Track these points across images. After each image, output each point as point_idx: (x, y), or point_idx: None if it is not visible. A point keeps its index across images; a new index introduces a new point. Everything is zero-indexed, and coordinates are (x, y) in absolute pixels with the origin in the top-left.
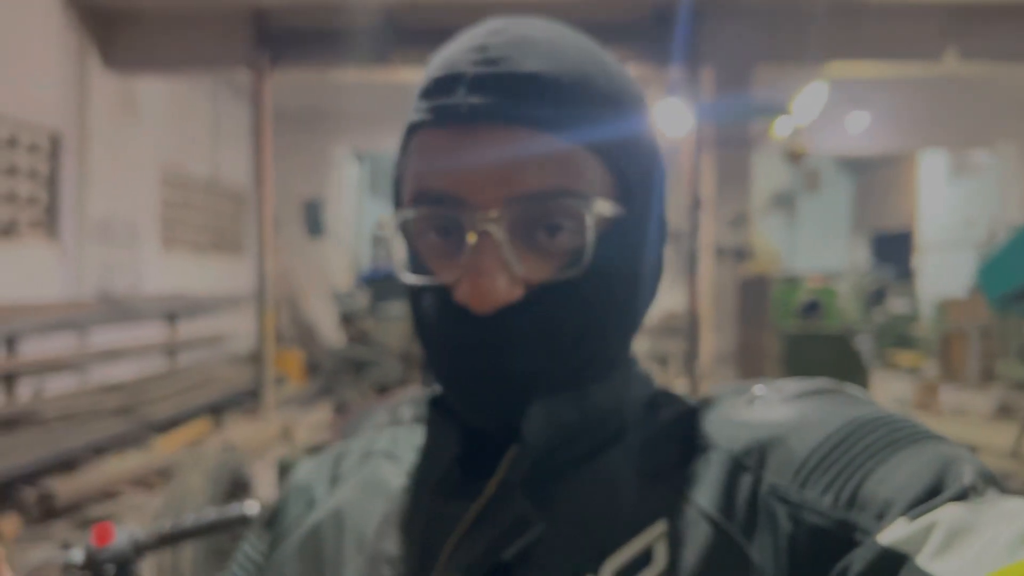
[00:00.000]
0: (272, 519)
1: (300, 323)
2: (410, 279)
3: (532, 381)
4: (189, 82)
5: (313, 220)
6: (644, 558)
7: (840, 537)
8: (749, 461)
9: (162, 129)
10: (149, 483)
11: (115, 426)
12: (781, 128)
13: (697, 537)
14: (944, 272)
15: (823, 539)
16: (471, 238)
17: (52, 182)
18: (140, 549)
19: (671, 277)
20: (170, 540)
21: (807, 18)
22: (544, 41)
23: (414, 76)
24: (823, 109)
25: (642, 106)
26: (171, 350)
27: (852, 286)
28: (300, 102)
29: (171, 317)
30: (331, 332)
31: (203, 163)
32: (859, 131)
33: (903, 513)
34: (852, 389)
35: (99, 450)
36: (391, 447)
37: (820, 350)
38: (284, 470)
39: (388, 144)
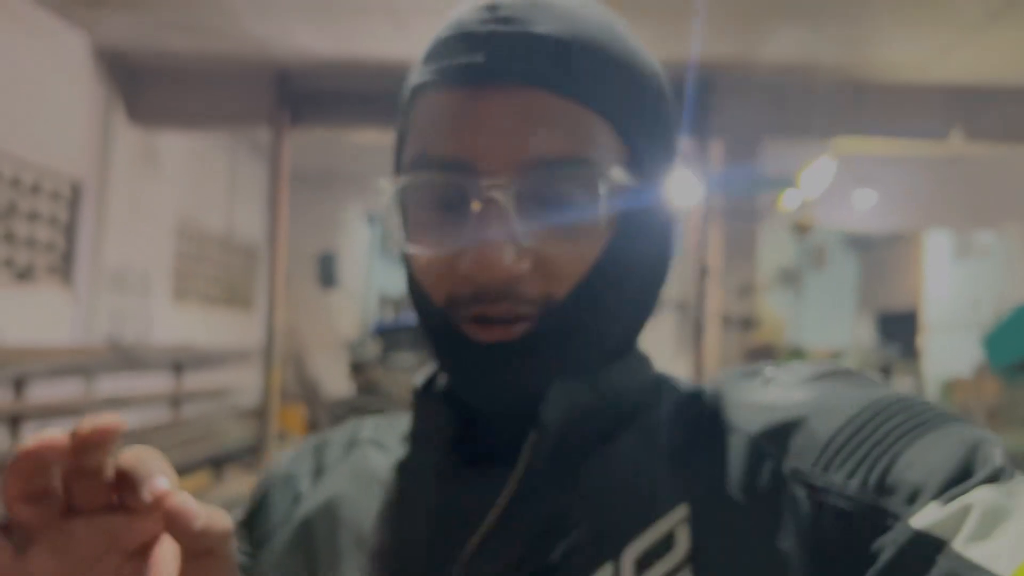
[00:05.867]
0: (253, 516)
1: (305, 380)
2: (410, 249)
3: (548, 372)
4: (208, 138)
5: (326, 272)
6: (666, 543)
7: (869, 521)
8: (769, 444)
9: (180, 183)
10: None
11: None
12: (789, 201)
13: (720, 522)
14: (949, 352)
15: (850, 523)
16: (476, 206)
17: (70, 229)
18: None
19: (677, 346)
20: None
21: (814, 95)
22: (558, 4)
23: None
24: (830, 185)
25: (658, 79)
26: (176, 401)
27: (858, 363)
28: (316, 162)
29: (178, 368)
30: (336, 389)
31: (218, 218)
32: (866, 208)
33: (935, 497)
34: (868, 372)
35: None
36: (376, 435)
37: None
38: None
39: None
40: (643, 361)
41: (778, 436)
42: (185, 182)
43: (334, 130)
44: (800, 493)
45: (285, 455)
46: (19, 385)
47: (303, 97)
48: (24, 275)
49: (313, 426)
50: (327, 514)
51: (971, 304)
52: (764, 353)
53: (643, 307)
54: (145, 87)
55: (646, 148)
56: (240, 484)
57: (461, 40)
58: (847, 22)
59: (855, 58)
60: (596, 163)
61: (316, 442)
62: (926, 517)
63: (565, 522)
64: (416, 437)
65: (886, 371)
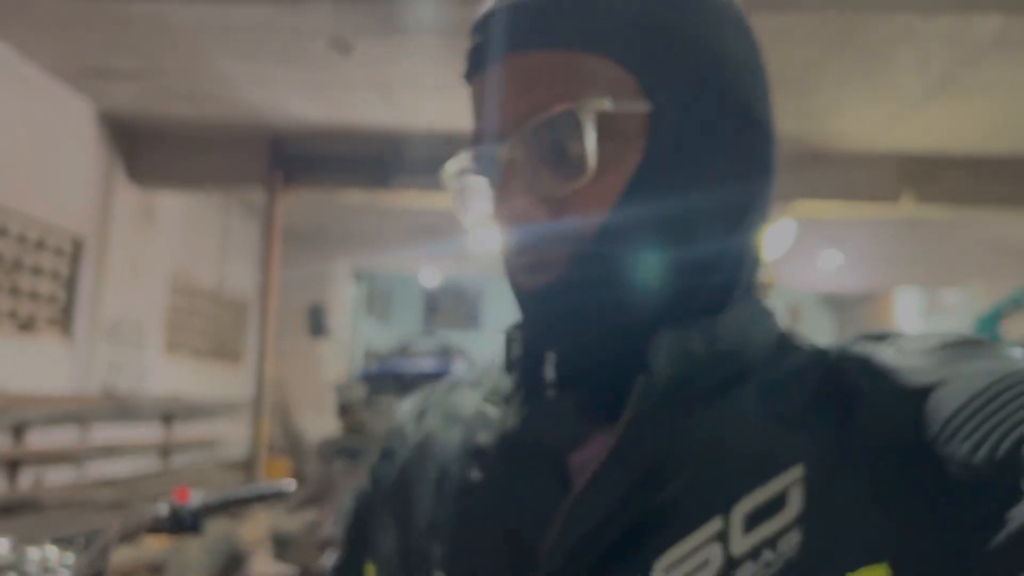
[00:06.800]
0: (377, 462)
1: (290, 433)
2: (468, 222)
3: (590, 309)
4: (203, 198)
5: (316, 322)
6: (778, 502)
7: (994, 494)
8: (893, 410)
9: (175, 240)
10: None
11: (108, 519)
12: None
13: (835, 485)
14: None
15: (973, 495)
16: (499, 168)
17: (71, 283)
18: (208, 508)
19: None
20: (227, 506)
21: None
22: None
23: (413, 201)
24: (800, 247)
25: (680, 3)
26: (166, 450)
27: None
28: (306, 220)
29: (168, 418)
30: (319, 442)
31: (210, 273)
32: (833, 269)
33: None
34: (1003, 344)
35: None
36: (477, 378)
37: None
38: (279, 543)
39: (386, 263)
40: (763, 315)
41: (904, 402)
42: (180, 239)
43: (324, 191)
44: (923, 462)
45: (404, 404)
46: (19, 431)
47: (295, 160)
48: (26, 326)
49: (298, 478)
50: (421, 452)
51: None
52: None
53: (723, 234)
54: (145, 149)
55: (659, 71)
56: (226, 534)
57: (471, 32)
58: (801, 96)
59: (810, 128)
60: (582, 102)
61: (427, 391)
62: None
63: (674, 471)
64: (506, 369)
65: None
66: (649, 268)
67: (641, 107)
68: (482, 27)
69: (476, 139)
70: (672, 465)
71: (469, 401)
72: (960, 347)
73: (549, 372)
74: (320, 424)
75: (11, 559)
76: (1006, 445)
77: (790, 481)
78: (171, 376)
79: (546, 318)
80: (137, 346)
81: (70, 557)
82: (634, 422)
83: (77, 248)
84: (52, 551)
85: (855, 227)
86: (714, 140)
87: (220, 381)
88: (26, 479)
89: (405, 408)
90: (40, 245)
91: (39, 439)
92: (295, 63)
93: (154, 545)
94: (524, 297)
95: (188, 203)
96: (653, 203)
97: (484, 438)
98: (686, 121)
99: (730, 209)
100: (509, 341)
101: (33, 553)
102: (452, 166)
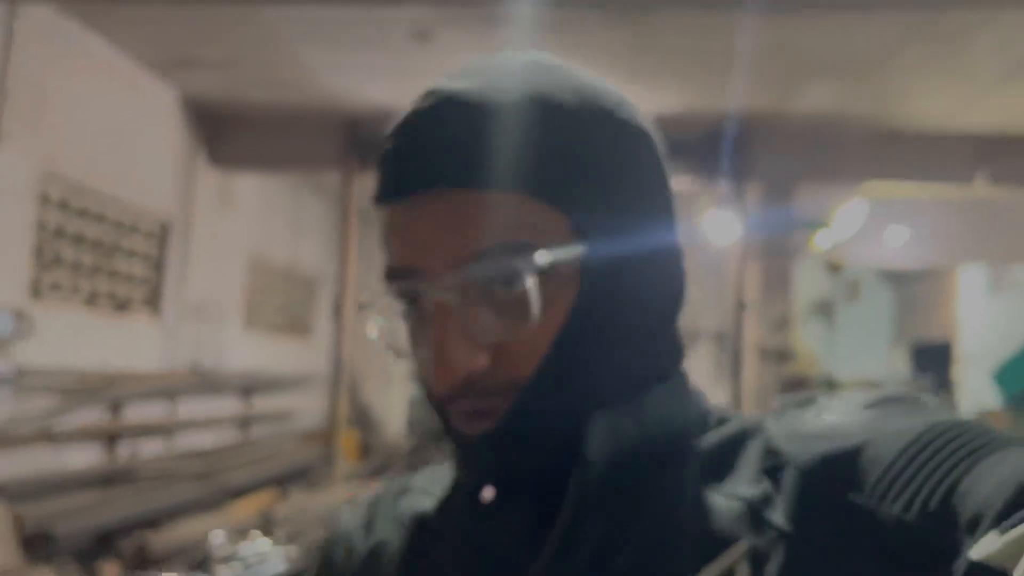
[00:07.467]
0: (318, 572)
1: (358, 405)
2: (397, 355)
3: (536, 450)
4: (276, 179)
5: None
6: None
7: (928, 552)
8: (824, 475)
9: (251, 221)
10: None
11: (196, 489)
12: (821, 240)
13: (778, 557)
14: (984, 384)
15: (908, 554)
16: (428, 309)
17: (159, 265)
18: None
19: (715, 374)
20: None
21: (845, 142)
22: (467, 94)
23: None
24: (863, 225)
25: (600, 128)
26: (245, 423)
27: None
28: (366, 202)
29: (247, 392)
30: (387, 416)
31: (283, 252)
32: (898, 246)
33: (994, 526)
34: (924, 396)
35: (181, 510)
36: (425, 484)
37: None
38: None
39: None
40: (690, 394)
41: (833, 467)
42: (255, 219)
43: None
44: (858, 525)
45: (345, 512)
46: (116, 407)
47: (370, 144)
48: (122, 307)
49: (367, 451)
50: (372, 561)
51: (1005, 337)
52: (798, 384)
53: (652, 345)
54: (226, 134)
55: (587, 209)
56: (314, 499)
57: (387, 157)
58: (874, 77)
59: (883, 109)
60: (518, 244)
61: (373, 497)
62: (985, 547)
63: (620, 560)
64: (455, 481)
65: None
66: (588, 399)
67: (577, 251)
68: (393, 158)
69: (396, 273)
70: (618, 550)
71: (423, 509)
72: (883, 404)
73: (488, 493)
74: (386, 397)
75: (231, 549)
76: (936, 499)
77: (736, 557)
78: (249, 351)
79: (489, 463)
80: (218, 323)
81: (281, 549)
82: (576, 511)
83: (164, 231)
84: (264, 543)
85: (920, 205)
86: (639, 265)
87: (291, 354)
88: (123, 451)
89: (350, 516)
90: (133, 229)
91: (134, 414)
92: (375, 51)
93: (237, 514)
94: (464, 444)
95: (262, 185)
96: (590, 337)
97: (435, 546)
98: (614, 252)
99: (657, 322)
100: (461, 460)
101: (246, 545)
102: (371, 297)
